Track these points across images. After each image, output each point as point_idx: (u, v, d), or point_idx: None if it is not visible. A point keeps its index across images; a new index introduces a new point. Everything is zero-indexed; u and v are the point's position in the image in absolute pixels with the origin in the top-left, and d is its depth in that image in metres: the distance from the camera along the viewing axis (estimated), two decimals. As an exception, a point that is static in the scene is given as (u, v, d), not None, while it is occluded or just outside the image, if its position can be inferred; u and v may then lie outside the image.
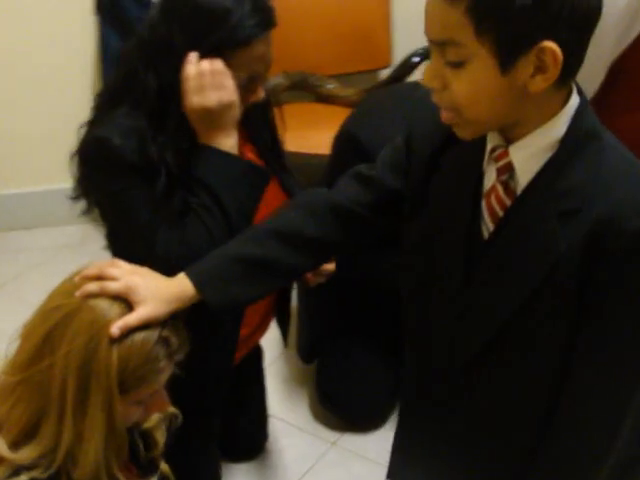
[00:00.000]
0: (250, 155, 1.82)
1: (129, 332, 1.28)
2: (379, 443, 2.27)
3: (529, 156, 1.18)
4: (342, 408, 2.39)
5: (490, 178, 1.23)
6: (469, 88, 1.13)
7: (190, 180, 1.66)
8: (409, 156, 1.39)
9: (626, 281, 1.15)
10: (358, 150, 2.05)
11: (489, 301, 1.26)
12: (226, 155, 1.64)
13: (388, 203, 1.42)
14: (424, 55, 2.93)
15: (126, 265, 1.38)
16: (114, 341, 1.27)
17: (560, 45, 1.06)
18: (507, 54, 1.08)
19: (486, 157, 1.24)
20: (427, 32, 1.15)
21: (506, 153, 1.19)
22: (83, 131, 1.77)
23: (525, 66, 1.09)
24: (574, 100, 1.17)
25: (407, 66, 2.89)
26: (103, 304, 1.30)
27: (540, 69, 1.09)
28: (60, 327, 1.29)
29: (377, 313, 2.33)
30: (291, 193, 1.88)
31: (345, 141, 2.18)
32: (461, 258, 1.28)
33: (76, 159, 1.75)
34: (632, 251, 1.12)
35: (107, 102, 1.74)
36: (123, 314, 1.29)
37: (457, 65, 1.12)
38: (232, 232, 1.58)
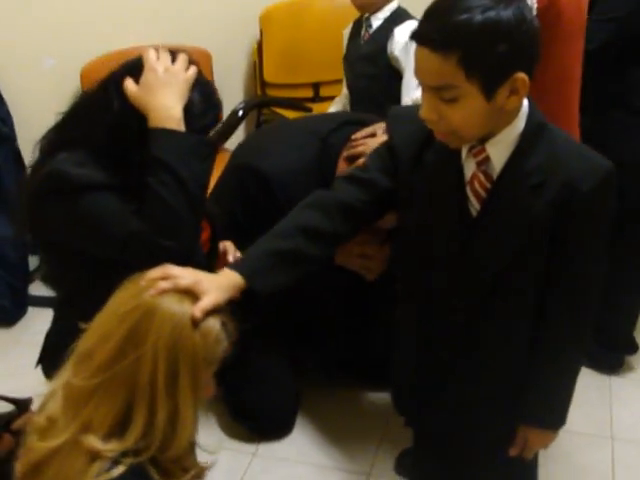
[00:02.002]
0: None
1: (205, 317, 1.50)
2: (295, 443, 2.50)
3: (500, 149, 1.61)
4: (251, 418, 2.52)
5: (470, 169, 1.65)
6: (463, 116, 1.53)
7: (145, 162, 1.79)
8: (393, 160, 1.75)
9: (589, 224, 1.62)
10: (260, 180, 2.29)
11: (484, 261, 1.68)
12: (174, 132, 1.77)
13: (382, 199, 1.79)
14: (245, 108, 3.29)
15: (177, 267, 1.58)
16: (196, 324, 1.48)
17: (526, 72, 1.50)
18: (491, 88, 1.50)
19: (464, 154, 1.65)
20: (422, 78, 1.55)
21: (483, 149, 1.62)
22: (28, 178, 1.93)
23: (503, 92, 1.51)
24: (525, 102, 1.61)
25: (234, 119, 3.20)
26: (175, 299, 1.51)
27: (513, 92, 1.52)
28: (143, 323, 1.47)
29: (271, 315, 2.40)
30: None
31: (246, 173, 2.34)
32: (457, 234, 1.69)
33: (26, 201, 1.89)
34: (590, 202, 1.59)
35: (48, 149, 1.91)
36: (193, 304, 1.51)
37: (451, 101, 1.52)
38: (191, 202, 1.77)
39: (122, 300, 1.53)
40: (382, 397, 2.74)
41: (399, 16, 3.00)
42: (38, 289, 3.34)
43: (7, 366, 2.86)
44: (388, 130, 1.83)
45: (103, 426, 1.47)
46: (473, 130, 1.58)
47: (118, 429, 1.47)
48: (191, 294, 1.52)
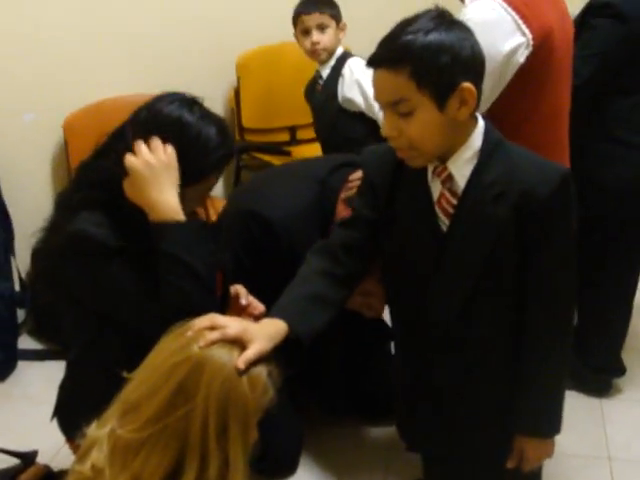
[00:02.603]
0: None
1: (249, 366, 1.54)
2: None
3: (461, 165, 1.75)
4: (257, 459, 2.56)
5: (436, 189, 1.79)
6: (420, 128, 1.68)
7: (154, 254, 1.86)
8: (373, 192, 1.89)
9: (551, 227, 1.74)
10: (264, 224, 2.35)
11: (458, 275, 1.80)
12: (175, 225, 1.84)
13: (375, 230, 1.90)
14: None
15: (223, 316, 1.63)
16: (241, 373, 1.51)
17: (472, 83, 1.65)
18: (441, 97, 1.66)
19: (429, 175, 1.79)
20: (380, 97, 1.73)
21: (445, 168, 1.76)
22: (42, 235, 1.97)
23: (454, 103, 1.67)
24: (480, 122, 1.76)
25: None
26: (224, 350, 1.54)
27: (463, 102, 1.67)
28: (193, 376, 1.49)
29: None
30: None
31: (249, 219, 2.39)
32: (429, 250, 1.82)
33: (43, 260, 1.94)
34: (547, 207, 1.71)
35: (66, 207, 1.95)
36: (240, 354, 1.54)
37: (408, 115, 1.67)
38: (203, 284, 1.84)
39: (169, 351, 1.54)
40: (384, 431, 2.79)
41: (343, 58, 3.23)
42: (26, 343, 3.34)
43: (4, 420, 2.85)
44: (363, 165, 1.98)
45: (154, 478, 1.48)
46: (431, 143, 1.71)
47: (170, 480, 1.49)
48: (239, 343, 1.56)
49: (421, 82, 1.65)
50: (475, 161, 1.75)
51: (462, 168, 1.75)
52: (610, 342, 3.04)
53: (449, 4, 1.99)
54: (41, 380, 3.08)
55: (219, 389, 1.49)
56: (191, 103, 1.92)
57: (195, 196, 1.96)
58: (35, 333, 3.40)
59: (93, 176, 1.95)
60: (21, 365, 3.22)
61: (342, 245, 1.90)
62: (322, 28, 3.21)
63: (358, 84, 3.14)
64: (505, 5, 2.08)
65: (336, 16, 3.25)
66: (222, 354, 1.53)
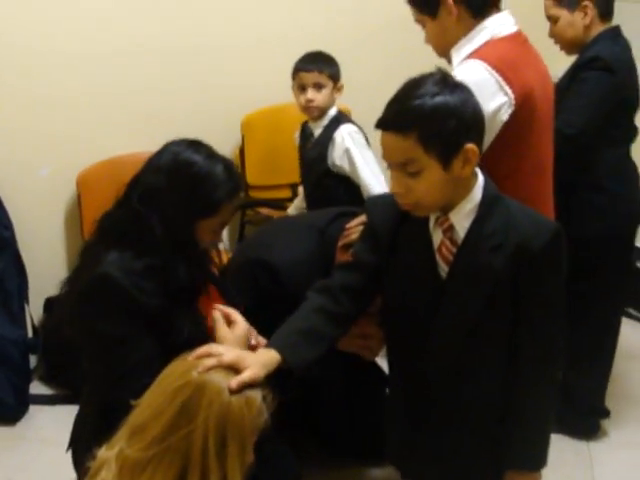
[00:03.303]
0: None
1: (244, 388, 1.67)
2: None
3: (462, 217, 1.88)
4: None
5: (438, 237, 1.91)
6: (427, 187, 1.81)
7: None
8: (375, 238, 2.02)
9: (543, 278, 1.87)
10: (269, 271, 2.49)
11: (454, 319, 1.92)
12: None
13: (374, 275, 2.03)
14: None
15: (220, 345, 1.80)
16: (233, 393, 1.64)
17: (475, 143, 1.79)
18: (447, 159, 1.79)
19: (431, 225, 1.91)
20: (388, 158, 1.84)
21: (447, 219, 1.89)
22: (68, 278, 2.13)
23: (458, 163, 1.80)
24: (480, 177, 1.90)
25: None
26: (221, 375, 1.68)
27: (467, 161, 1.80)
28: (194, 399, 1.63)
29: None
30: (228, 298, 2.29)
31: (256, 266, 2.54)
32: (429, 294, 1.94)
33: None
34: (540, 259, 1.85)
35: (103, 239, 2.11)
36: None
37: (415, 174, 1.80)
38: None
39: (172, 377, 1.69)
40: (382, 471, 2.92)
41: (337, 121, 3.30)
42: (37, 388, 3.46)
43: (17, 461, 2.97)
44: (367, 214, 2.10)
45: (159, 494, 1.63)
46: (435, 199, 1.84)
47: (173, 495, 1.63)
48: (235, 370, 1.70)
49: (428, 146, 1.77)
50: (475, 213, 1.87)
51: (463, 219, 1.87)
52: (594, 385, 3.16)
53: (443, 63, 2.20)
54: (52, 423, 3.19)
55: (218, 410, 1.63)
56: (198, 145, 2.11)
57: (209, 230, 2.11)
58: (46, 379, 3.52)
59: (116, 225, 2.11)
60: (32, 409, 3.33)
61: (341, 286, 2.02)
62: (318, 87, 3.26)
63: (347, 153, 3.23)
64: (489, 68, 2.24)
65: (334, 76, 3.31)
66: (219, 379, 1.67)
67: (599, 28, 2.97)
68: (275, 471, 2.67)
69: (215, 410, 1.63)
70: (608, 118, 2.85)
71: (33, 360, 3.50)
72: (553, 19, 3.01)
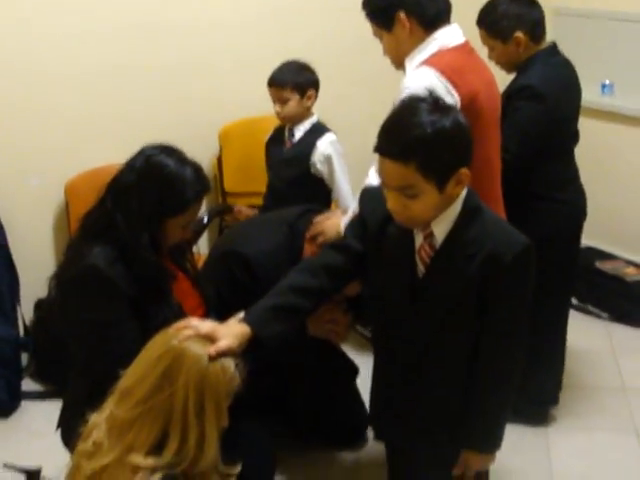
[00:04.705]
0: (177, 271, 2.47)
1: (220, 356, 1.90)
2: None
3: (442, 226, 2.06)
4: None
5: (419, 241, 2.09)
6: (423, 208, 1.99)
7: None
8: (364, 228, 2.21)
9: (509, 288, 2.06)
10: (246, 263, 2.71)
11: (428, 312, 2.12)
12: None
13: (357, 259, 2.23)
14: (209, 215, 3.79)
15: (196, 319, 2.03)
16: (212, 359, 1.87)
17: (467, 166, 1.97)
18: (442, 183, 1.96)
19: (415, 229, 2.08)
20: (387, 182, 2.00)
21: (428, 226, 2.05)
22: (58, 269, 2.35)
23: (452, 185, 1.98)
24: (464, 189, 2.05)
25: (199, 226, 3.65)
26: (199, 344, 1.91)
27: (459, 182, 1.98)
28: (175, 365, 1.87)
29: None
30: (201, 289, 2.53)
31: (229, 257, 2.78)
32: (407, 289, 2.13)
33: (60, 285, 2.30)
34: (509, 271, 2.02)
35: (84, 236, 2.32)
36: None
37: (412, 196, 1.97)
38: None
39: (155, 346, 1.92)
40: (351, 455, 3.16)
41: (318, 129, 3.51)
42: (28, 385, 3.64)
43: (10, 453, 3.04)
44: (360, 205, 2.28)
45: (144, 447, 1.84)
46: (429, 216, 2.03)
47: (156, 449, 1.84)
48: (210, 339, 1.93)
49: (427, 174, 1.92)
50: (454, 223, 2.04)
51: (442, 227, 2.04)
52: (546, 377, 3.37)
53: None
54: (42, 417, 3.34)
55: (196, 375, 1.86)
56: (171, 150, 2.33)
57: (178, 226, 2.32)
58: (36, 376, 3.69)
59: (98, 221, 2.33)
60: (24, 404, 3.52)
61: (323, 262, 2.22)
62: (283, 101, 3.41)
63: (328, 161, 3.44)
64: (438, 74, 2.47)
65: (300, 87, 3.41)
66: (197, 347, 1.90)
67: (533, 50, 3.15)
68: (251, 453, 2.86)
69: (194, 374, 1.86)
70: (542, 139, 3.06)
71: (24, 358, 3.67)
72: (488, 47, 3.20)
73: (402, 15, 2.57)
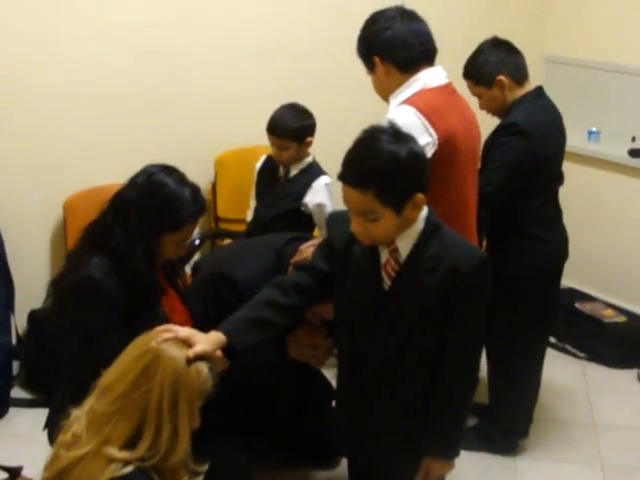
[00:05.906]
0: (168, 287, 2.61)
1: (195, 359, 2.04)
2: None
3: (406, 242, 2.20)
4: None
5: (384, 256, 2.23)
6: (383, 230, 2.15)
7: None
8: (331, 250, 2.35)
9: (468, 297, 2.20)
10: (233, 285, 2.83)
11: (393, 324, 2.25)
12: None
13: (324, 279, 2.37)
14: (201, 239, 3.94)
15: (176, 325, 2.16)
16: (189, 362, 2.01)
17: (422, 191, 2.12)
18: (399, 208, 2.11)
19: (380, 245, 2.23)
20: (349, 206, 2.14)
21: (393, 242, 2.20)
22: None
23: (409, 208, 2.13)
24: (424, 210, 2.20)
25: (192, 248, 3.80)
26: (176, 347, 2.05)
27: (415, 206, 2.13)
28: (152, 364, 2.01)
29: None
30: (189, 306, 2.67)
31: (217, 279, 2.90)
32: (373, 302, 2.27)
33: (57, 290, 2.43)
34: (468, 280, 2.17)
35: (85, 246, 2.46)
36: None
37: (373, 220, 2.12)
38: None
39: (136, 346, 2.07)
40: (324, 474, 3.26)
41: (313, 170, 3.64)
42: (18, 394, 3.75)
43: None
44: (327, 228, 2.44)
45: (119, 440, 1.97)
46: (389, 236, 2.18)
47: (131, 442, 1.97)
48: (187, 343, 2.07)
49: (385, 200, 2.08)
50: (416, 239, 2.19)
51: (406, 244, 2.19)
52: (517, 410, 3.50)
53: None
54: (30, 423, 3.45)
55: (172, 374, 1.99)
56: (172, 170, 2.49)
57: (172, 242, 2.46)
58: (26, 385, 3.80)
59: (98, 232, 2.47)
60: (12, 410, 3.62)
61: (293, 282, 2.36)
62: (282, 148, 3.54)
63: (320, 206, 3.58)
64: (417, 112, 2.62)
65: (299, 135, 3.53)
66: (175, 349, 2.04)
67: (519, 93, 3.27)
68: (226, 467, 2.98)
69: (170, 374, 1.99)
70: (525, 176, 3.17)
71: (16, 367, 3.78)
72: (477, 96, 3.34)
73: (377, 60, 2.76)
